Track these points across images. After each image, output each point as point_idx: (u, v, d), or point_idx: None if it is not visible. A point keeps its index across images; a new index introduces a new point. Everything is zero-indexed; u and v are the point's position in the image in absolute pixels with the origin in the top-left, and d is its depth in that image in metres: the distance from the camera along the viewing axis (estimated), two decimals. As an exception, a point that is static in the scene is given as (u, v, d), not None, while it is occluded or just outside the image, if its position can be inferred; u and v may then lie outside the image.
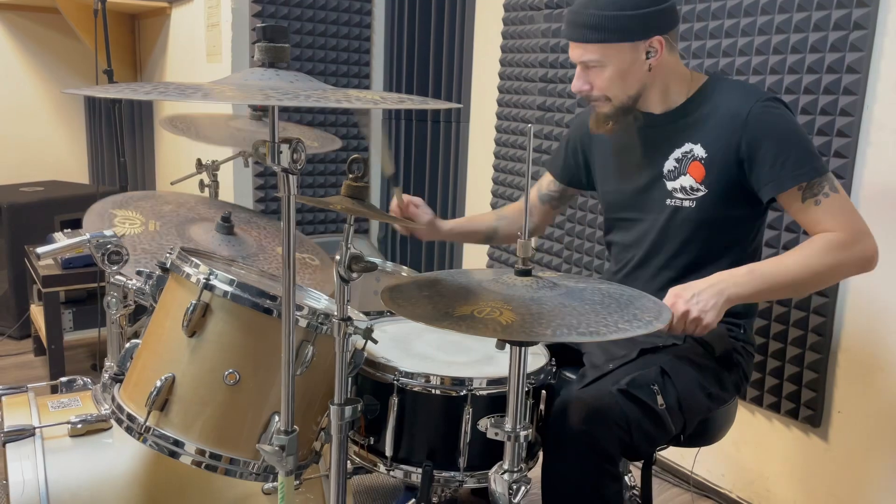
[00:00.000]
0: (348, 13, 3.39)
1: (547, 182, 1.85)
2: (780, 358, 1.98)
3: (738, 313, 1.56)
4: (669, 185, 1.54)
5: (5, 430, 1.38)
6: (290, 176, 1.00)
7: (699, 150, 1.50)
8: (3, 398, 1.50)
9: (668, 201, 1.55)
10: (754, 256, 1.58)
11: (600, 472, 1.33)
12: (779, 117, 1.45)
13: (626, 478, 1.72)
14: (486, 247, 2.96)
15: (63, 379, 1.64)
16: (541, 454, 1.48)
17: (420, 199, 1.78)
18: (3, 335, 3.15)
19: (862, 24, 1.74)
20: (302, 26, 3.28)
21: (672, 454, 2.31)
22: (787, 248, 1.93)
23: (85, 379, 1.65)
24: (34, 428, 1.39)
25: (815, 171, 1.42)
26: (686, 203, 1.52)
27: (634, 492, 1.73)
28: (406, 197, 1.76)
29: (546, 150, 2.64)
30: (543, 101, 2.63)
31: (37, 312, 2.91)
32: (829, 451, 1.94)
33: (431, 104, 1.03)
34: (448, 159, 3.23)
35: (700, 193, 1.50)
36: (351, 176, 1.17)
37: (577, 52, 1.50)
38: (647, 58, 1.47)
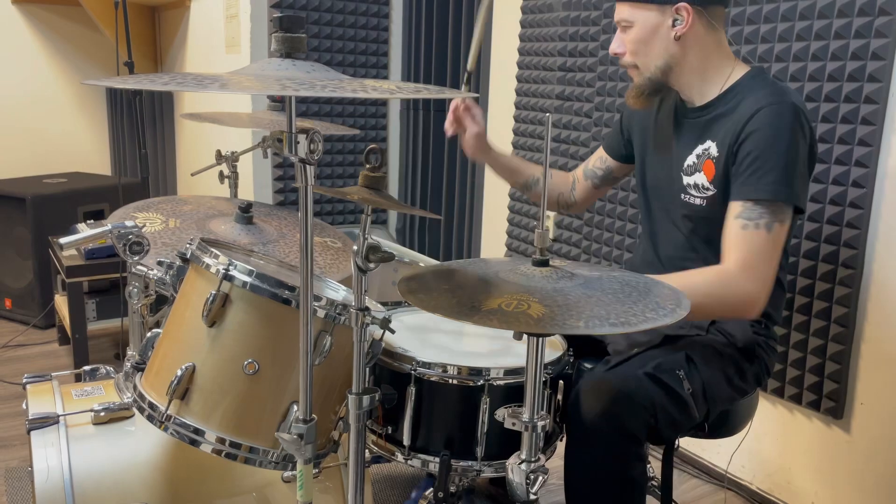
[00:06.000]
0: (366, 3, 3.38)
1: (595, 158, 1.83)
2: (801, 349, 1.96)
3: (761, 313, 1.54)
4: (686, 179, 1.52)
5: (30, 417, 1.40)
6: (308, 166, 1.00)
7: (714, 149, 1.47)
8: (28, 386, 1.53)
9: (683, 196, 1.53)
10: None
11: (626, 453, 1.33)
12: (779, 126, 1.37)
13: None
14: (505, 238, 2.95)
15: (86, 368, 1.66)
16: (558, 444, 1.48)
17: (479, 110, 1.74)
18: (28, 325, 3.21)
19: (887, 9, 1.71)
20: (320, 17, 3.29)
21: (692, 445, 2.30)
22: (807, 256, 1.91)
23: (108, 368, 1.68)
24: (58, 416, 1.42)
25: (770, 192, 1.36)
26: (697, 201, 1.50)
27: (652, 483, 1.72)
28: (469, 102, 1.73)
29: (565, 139, 2.62)
30: (562, 90, 2.61)
31: (61, 302, 2.95)
32: (851, 443, 1.92)
33: (448, 93, 1.02)
34: (466, 149, 3.22)
35: (710, 193, 1.48)
36: (368, 166, 1.17)
37: (616, 11, 1.50)
38: (674, 25, 1.44)
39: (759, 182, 1.37)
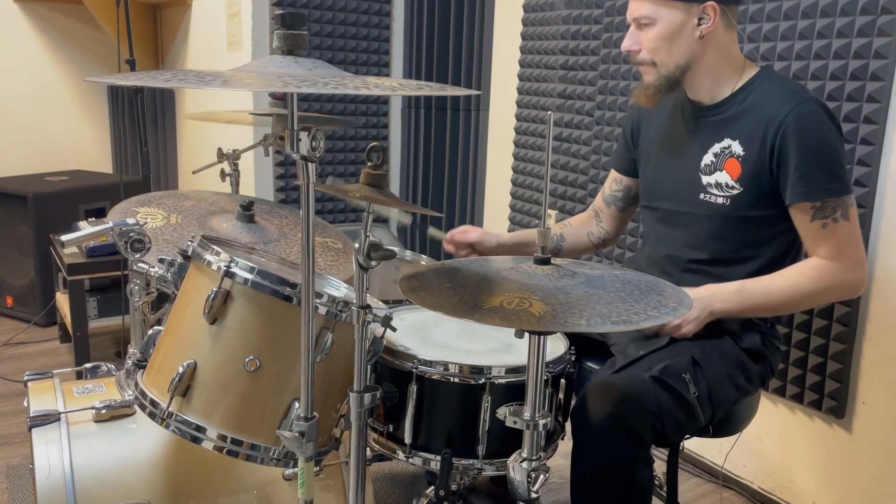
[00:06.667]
0: (367, 1, 3.38)
1: (609, 182, 1.81)
2: (803, 348, 1.96)
3: None
4: (705, 179, 1.52)
5: (31, 414, 1.40)
6: (309, 164, 1.00)
7: (737, 147, 1.47)
8: (30, 384, 1.53)
9: (702, 196, 1.52)
10: (786, 257, 1.54)
11: (632, 456, 1.33)
12: (815, 124, 1.41)
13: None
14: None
15: (88, 365, 1.66)
16: (560, 443, 1.48)
17: (464, 226, 1.75)
18: (29, 322, 3.21)
19: (890, 8, 1.71)
20: (321, 14, 3.28)
21: (694, 444, 2.30)
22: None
23: (109, 365, 1.68)
24: (59, 413, 1.42)
25: (831, 191, 1.39)
26: (720, 200, 1.50)
27: (655, 482, 1.72)
28: (452, 232, 1.74)
29: (566, 138, 2.62)
30: (564, 88, 2.61)
31: (62, 300, 2.95)
32: (852, 443, 1.91)
33: (450, 91, 1.02)
34: (468, 148, 3.22)
35: (735, 192, 1.48)
36: (370, 164, 1.17)
37: (632, 7, 1.49)
38: (699, 24, 1.44)
39: (819, 182, 1.40)
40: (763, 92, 1.47)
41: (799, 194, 1.41)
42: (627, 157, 1.75)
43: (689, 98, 1.56)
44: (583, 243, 1.83)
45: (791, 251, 1.55)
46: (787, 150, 1.41)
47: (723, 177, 1.49)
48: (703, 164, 1.52)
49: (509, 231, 2.93)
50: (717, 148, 1.50)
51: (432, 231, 1.76)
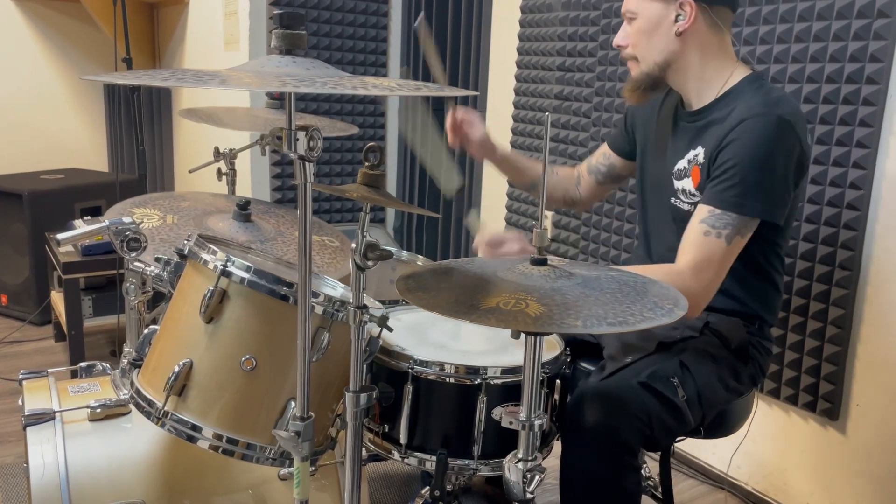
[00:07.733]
0: (365, 1, 3.38)
1: (598, 154, 1.82)
2: (798, 350, 1.96)
3: (753, 315, 1.53)
4: (676, 184, 1.52)
5: (26, 413, 1.40)
6: (307, 163, 1.00)
7: (701, 156, 1.46)
8: (24, 382, 1.52)
9: (672, 199, 1.53)
10: (759, 272, 1.51)
11: (620, 464, 1.33)
12: (759, 139, 1.36)
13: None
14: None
15: (83, 364, 1.66)
16: (555, 443, 1.48)
17: (475, 115, 1.73)
18: (24, 321, 3.20)
19: (886, 11, 1.71)
20: (319, 14, 3.28)
21: (688, 445, 2.30)
22: (804, 257, 1.91)
23: (104, 364, 1.67)
24: (54, 412, 1.41)
25: (736, 205, 1.36)
26: (685, 206, 1.50)
27: (649, 482, 1.72)
28: (460, 113, 1.72)
29: (563, 139, 2.62)
30: (561, 89, 2.61)
31: (57, 299, 2.94)
32: (846, 444, 1.92)
33: (448, 91, 1.02)
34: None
35: (696, 199, 1.47)
36: (367, 164, 1.17)
37: (624, 1, 1.51)
38: (676, 20, 1.44)
39: (729, 192, 1.38)
40: (740, 100, 1.44)
41: (713, 197, 1.39)
42: (623, 138, 1.76)
43: (681, 100, 1.57)
44: (559, 193, 1.84)
45: (753, 264, 1.49)
46: (724, 154, 1.39)
47: (688, 184, 1.49)
48: (676, 168, 1.52)
49: (506, 217, 2.93)
50: (690, 155, 1.50)
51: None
